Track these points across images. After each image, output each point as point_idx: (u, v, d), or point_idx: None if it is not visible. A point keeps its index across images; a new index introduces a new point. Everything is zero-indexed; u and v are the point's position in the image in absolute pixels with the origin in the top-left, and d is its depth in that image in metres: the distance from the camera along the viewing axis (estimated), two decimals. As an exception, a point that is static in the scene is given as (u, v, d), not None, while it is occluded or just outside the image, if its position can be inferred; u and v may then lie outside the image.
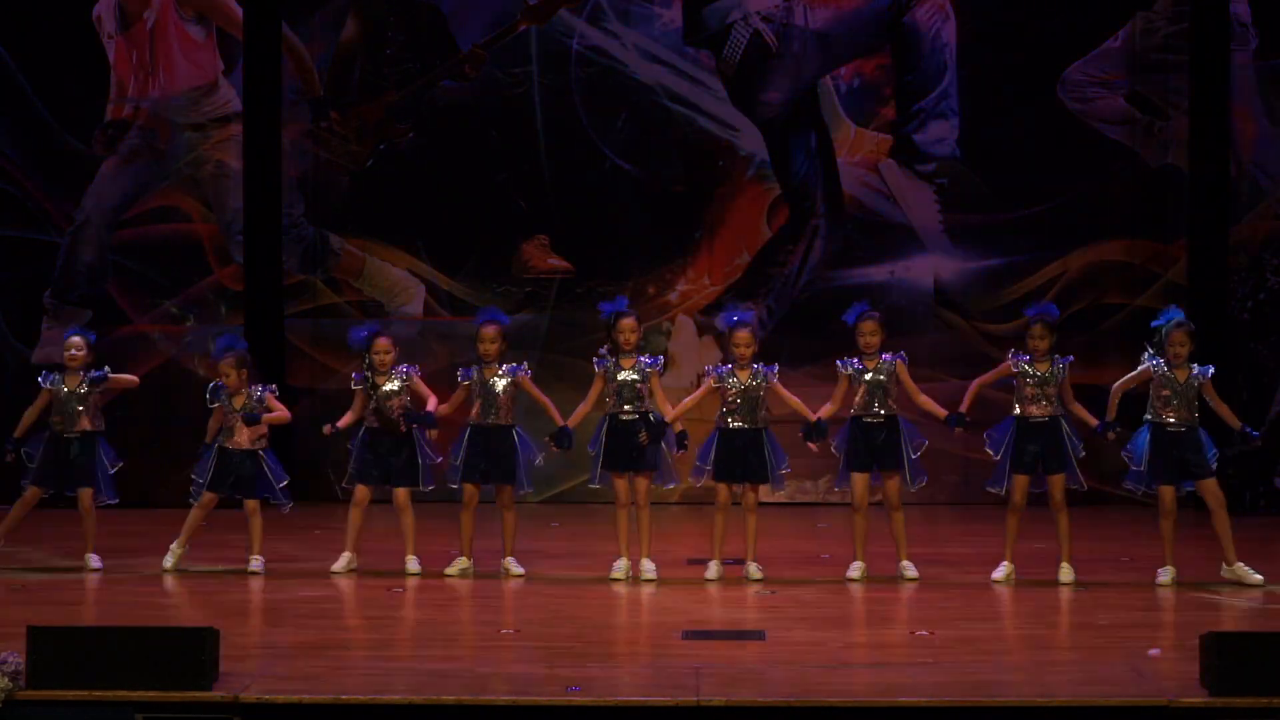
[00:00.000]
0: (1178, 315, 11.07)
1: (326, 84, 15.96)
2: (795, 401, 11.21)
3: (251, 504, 11.50)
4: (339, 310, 15.63)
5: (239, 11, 15.44)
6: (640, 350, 11.35)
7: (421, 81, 15.92)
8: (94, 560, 11.60)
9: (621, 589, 10.94)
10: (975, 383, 11.24)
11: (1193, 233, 15.40)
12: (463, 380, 11.43)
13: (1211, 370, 10.98)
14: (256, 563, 11.45)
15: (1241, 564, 10.90)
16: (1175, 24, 15.57)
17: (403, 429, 11.40)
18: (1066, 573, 11.01)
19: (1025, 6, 15.75)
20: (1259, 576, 10.83)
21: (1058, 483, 11.02)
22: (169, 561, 11.50)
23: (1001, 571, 11.10)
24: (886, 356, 11.20)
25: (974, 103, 15.71)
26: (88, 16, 15.57)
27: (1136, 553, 11.09)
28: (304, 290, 15.92)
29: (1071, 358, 11.16)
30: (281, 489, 11.55)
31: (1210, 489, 10.89)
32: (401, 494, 11.49)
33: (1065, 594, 10.70)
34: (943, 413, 11.18)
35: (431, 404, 11.50)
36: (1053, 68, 15.66)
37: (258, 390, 11.52)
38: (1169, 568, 10.94)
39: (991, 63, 15.71)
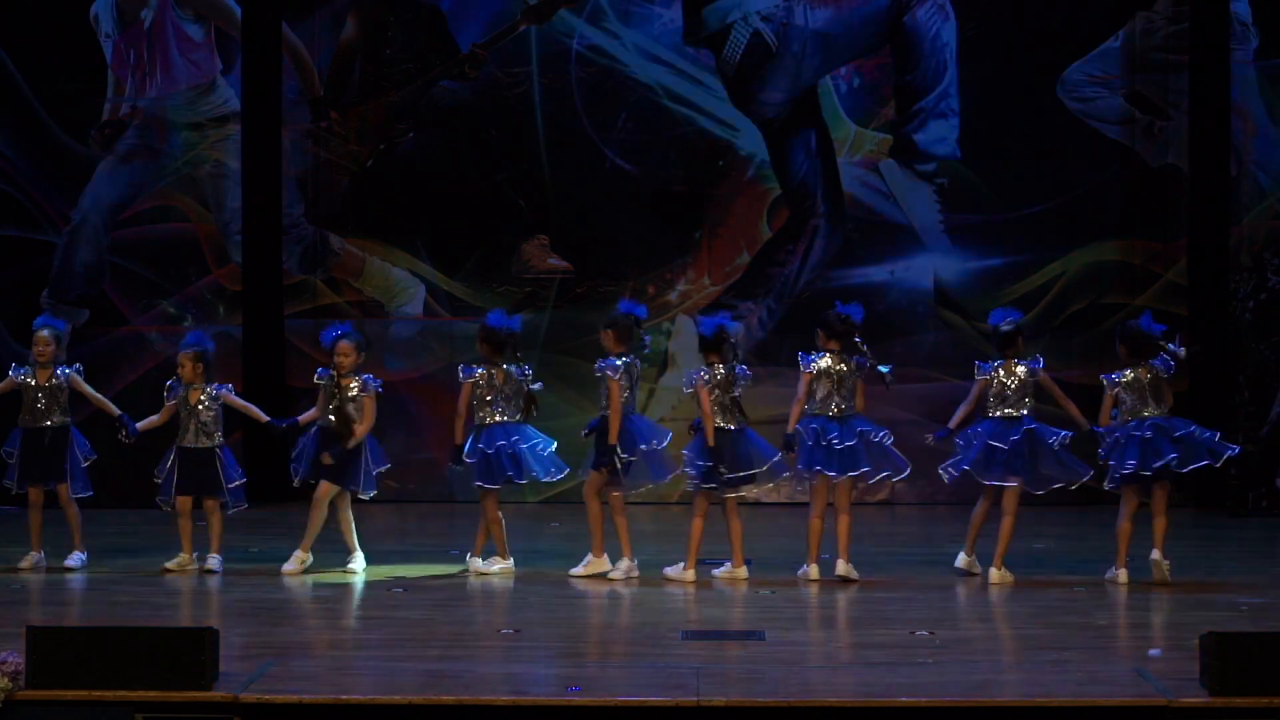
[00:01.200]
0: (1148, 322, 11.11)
1: (326, 84, 15.94)
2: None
3: (210, 503, 11.43)
4: (339, 310, 15.60)
5: (237, 11, 15.43)
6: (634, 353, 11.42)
7: (421, 81, 15.90)
8: (75, 559, 11.53)
9: (621, 589, 10.93)
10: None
11: (1193, 233, 15.39)
12: (465, 378, 11.45)
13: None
14: (214, 561, 11.38)
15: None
16: (1175, 24, 15.55)
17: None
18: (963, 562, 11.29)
19: (1025, 6, 15.74)
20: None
21: None
22: (173, 564, 11.48)
23: (960, 561, 11.24)
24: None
25: (974, 103, 15.69)
26: (85, 15, 15.55)
27: (1136, 552, 11.06)
28: (304, 290, 15.90)
29: (997, 363, 11.09)
30: (233, 489, 11.44)
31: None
32: (324, 489, 11.30)
33: (1065, 594, 10.69)
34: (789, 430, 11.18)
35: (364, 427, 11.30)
36: (1053, 68, 15.64)
37: (213, 389, 11.43)
38: (1121, 569, 10.97)
39: (991, 63, 15.69)
